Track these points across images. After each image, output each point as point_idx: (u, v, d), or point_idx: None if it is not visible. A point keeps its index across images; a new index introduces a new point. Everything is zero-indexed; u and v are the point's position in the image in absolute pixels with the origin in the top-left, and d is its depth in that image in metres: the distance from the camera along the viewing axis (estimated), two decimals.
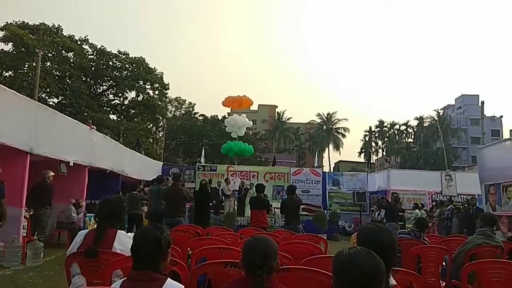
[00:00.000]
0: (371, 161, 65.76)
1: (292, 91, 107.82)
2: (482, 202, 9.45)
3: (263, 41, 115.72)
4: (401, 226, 11.72)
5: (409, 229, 5.52)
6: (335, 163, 65.13)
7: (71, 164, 8.50)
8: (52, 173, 8.02)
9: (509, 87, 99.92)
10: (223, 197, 14.66)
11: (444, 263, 4.84)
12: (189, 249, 4.17)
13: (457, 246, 4.81)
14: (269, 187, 13.55)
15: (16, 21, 24.26)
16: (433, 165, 51.23)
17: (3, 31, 23.01)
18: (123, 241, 2.61)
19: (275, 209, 14.24)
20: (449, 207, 12.85)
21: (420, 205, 13.87)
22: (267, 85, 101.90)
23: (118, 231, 2.68)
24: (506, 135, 56.06)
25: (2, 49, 23.59)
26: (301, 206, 10.11)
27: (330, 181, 17.47)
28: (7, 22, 23.48)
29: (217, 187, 14.58)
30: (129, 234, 2.68)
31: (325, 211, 15.72)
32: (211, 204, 11.37)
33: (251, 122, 19.58)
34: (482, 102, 15.68)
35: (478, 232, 4.73)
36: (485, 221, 4.80)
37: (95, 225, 2.81)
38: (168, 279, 1.80)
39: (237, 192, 15.02)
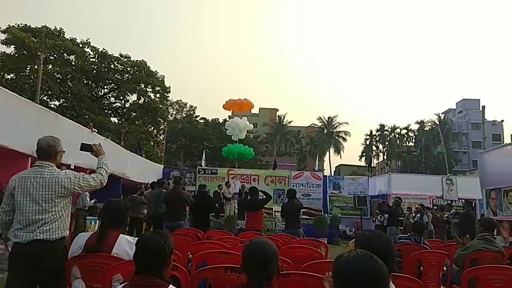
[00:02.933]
0: (372, 165, 65.78)
1: (293, 95, 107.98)
2: (483, 206, 9.44)
3: (264, 44, 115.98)
4: (401, 231, 11.71)
5: (408, 234, 5.49)
6: (335, 167, 65.21)
7: (72, 167, 8.50)
8: None
9: (510, 91, 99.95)
10: (224, 200, 14.64)
11: (445, 268, 4.83)
12: (189, 253, 4.17)
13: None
14: (270, 190, 13.55)
15: (18, 24, 24.37)
16: (434, 169, 51.22)
17: (5, 33, 23.11)
18: (123, 245, 2.62)
19: (276, 213, 14.23)
20: (451, 211, 12.84)
21: (424, 208, 13.68)
22: (268, 88, 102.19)
23: (121, 235, 2.69)
24: (507, 139, 56.05)
25: (4, 52, 23.65)
26: (302, 210, 10.13)
27: (331, 185, 17.46)
28: (9, 25, 23.57)
29: (218, 190, 14.56)
30: (131, 239, 2.69)
31: (326, 215, 15.69)
32: (215, 207, 11.38)
33: (252, 125, 19.26)
34: (483, 107, 15.75)
35: (478, 237, 4.73)
36: (485, 226, 4.80)
37: (97, 228, 2.83)
38: (170, 285, 1.80)
39: (237, 195, 14.99)
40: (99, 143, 3.48)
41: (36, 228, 2.88)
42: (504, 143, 38.43)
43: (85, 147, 3.72)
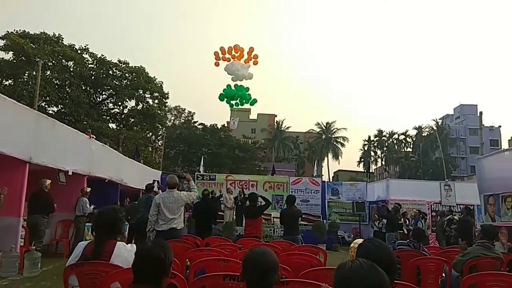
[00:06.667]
0: (370, 171, 65.87)
1: (291, 100, 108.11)
2: (481, 212, 9.44)
3: (262, 50, 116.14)
4: (401, 235, 11.73)
5: (408, 240, 5.49)
6: (334, 172, 65.12)
7: (70, 173, 8.48)
8: (49, 181, 8.03)
9: (508, 97, 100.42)
10: (224, 208, 14.51)
11: (443, 275, 4.82)
12: (187, 260, 4.16)
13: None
14: (268, 196, 13.47)
15: (17, 30, 24.42)
16: (432, 174, 51.27)
17: (3, 40, 23.13)
18: (122, 253, 2.59)
19: (274, 219, 14.19)
20: (448, 217, 12.81)
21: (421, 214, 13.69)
22: (266, 94, 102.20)
23: (118, 243, 2.66)
24: (504, 145, 56.31)
25: (3, 58, 23.66)
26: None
27: (329, 191, 17.44)
28: (8, 31, 23.61)
29: (214, 196, 14.42)
30: (128, 246, 2.67)
31: (324, 221, 15.65)
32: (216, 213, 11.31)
33: (253, 74, 13.78)
34: (481, 113, 15.82)
35: (477, 244, 4.73)
36: (484, 233, 4.80)
37: (93, 237, 2.79)
38: None
39: (235, 202, 14.86)
40: (188, 174, 7.13)
41: (172, 222, 5.85)
42: (502, 148, 38.52)
43: (181, 176, 7.02)
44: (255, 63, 13.02)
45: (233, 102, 13.70)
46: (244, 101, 14.15)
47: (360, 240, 3.55)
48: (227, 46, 13.29)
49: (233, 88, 13.66)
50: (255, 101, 14.39)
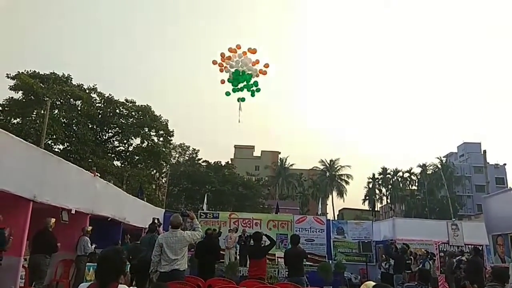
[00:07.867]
0: (376, 209, 65.11)
1: (295, 138, 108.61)
2: (490, 253, 9.22)
3: (264, 87, 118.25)
4: (409, 275, 11.44)
5: (416, 283, 5.35)
6: (339, 211, 64.41)
7: (73, 212, 8.45)
8: (53, 220, 8.02)
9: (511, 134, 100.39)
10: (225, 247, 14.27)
11: None
12: None
13: None
14: (273, 235, 13.24)
15: (27, 70, 25.12)
16: (439, 213, 50.57)
17: (14, 79, 23.76)
18: None
19: (279, 259, 13.89)
20: (457, 258, 12.50)
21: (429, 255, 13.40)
22: (270, 131, 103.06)
23: (120, 285, 2.63)
24: (510, 183, 55.72)
25: (12, 97, 24.21)
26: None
27: (334, 230, 17.12)
28: (18, 72, 24.30)
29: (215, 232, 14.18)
30: None
31: (330, 261, 15.27)
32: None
33: (257, 70, 10.42)
34: (484, 151, 15.79)
35: (488, 287, 4.60)
36: (496, 276, 4.69)
37: (95, 280, 2.75)
38: None
39: (237, 242, 14.61)
40: (191, 211, 7.23)
41: (174, 263, 5.69)
42: (508, 186, 38.14)
43: (184, 213, 7.13)
44: (264, 72, 11.03)
45: (239, 93, 11.09)
46: (249, 85, 11.24)
47: (370, 283, 3.47)
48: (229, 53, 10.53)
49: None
50: (259, 89, 11.32)
